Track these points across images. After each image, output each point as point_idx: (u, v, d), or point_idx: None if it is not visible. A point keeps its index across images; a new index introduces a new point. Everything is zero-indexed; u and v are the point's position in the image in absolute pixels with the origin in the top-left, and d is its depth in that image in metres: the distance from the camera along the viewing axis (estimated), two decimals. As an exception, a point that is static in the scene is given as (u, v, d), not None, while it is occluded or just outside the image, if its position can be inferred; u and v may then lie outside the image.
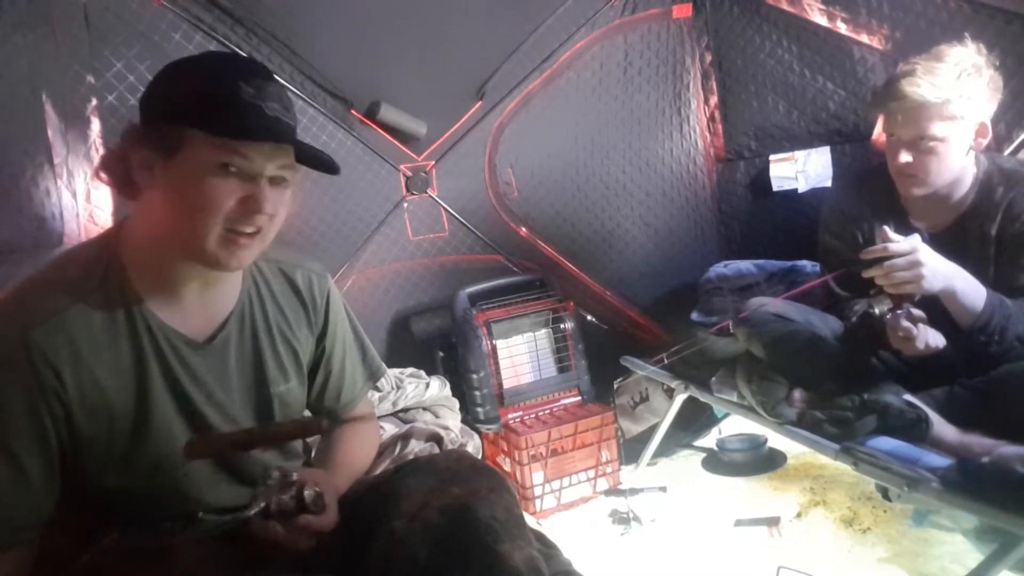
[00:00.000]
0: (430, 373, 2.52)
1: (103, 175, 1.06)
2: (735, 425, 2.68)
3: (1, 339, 0.98)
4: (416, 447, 2.08)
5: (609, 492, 2.48)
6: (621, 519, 2.28)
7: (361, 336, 1.40)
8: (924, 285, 1.52)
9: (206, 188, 0.99)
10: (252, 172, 1.01)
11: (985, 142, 1.66)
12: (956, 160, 1.64)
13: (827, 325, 1.88)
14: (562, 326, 2.66)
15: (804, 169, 2.71)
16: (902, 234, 1.58)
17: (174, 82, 1.02)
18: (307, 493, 1.05)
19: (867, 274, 1.56)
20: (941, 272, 1.53)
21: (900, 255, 1.51)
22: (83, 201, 2.11)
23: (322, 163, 1.06)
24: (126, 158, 1.02)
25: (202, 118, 0.97)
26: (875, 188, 1.84)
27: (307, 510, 1.04)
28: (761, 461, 2.51)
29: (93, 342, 1.02)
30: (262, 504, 1.04)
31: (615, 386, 2.80)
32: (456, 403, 2.47)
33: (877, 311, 1.67)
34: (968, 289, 1.56)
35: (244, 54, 2.39)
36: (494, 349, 2.56)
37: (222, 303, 1.16)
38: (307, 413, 1.37)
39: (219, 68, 1.04)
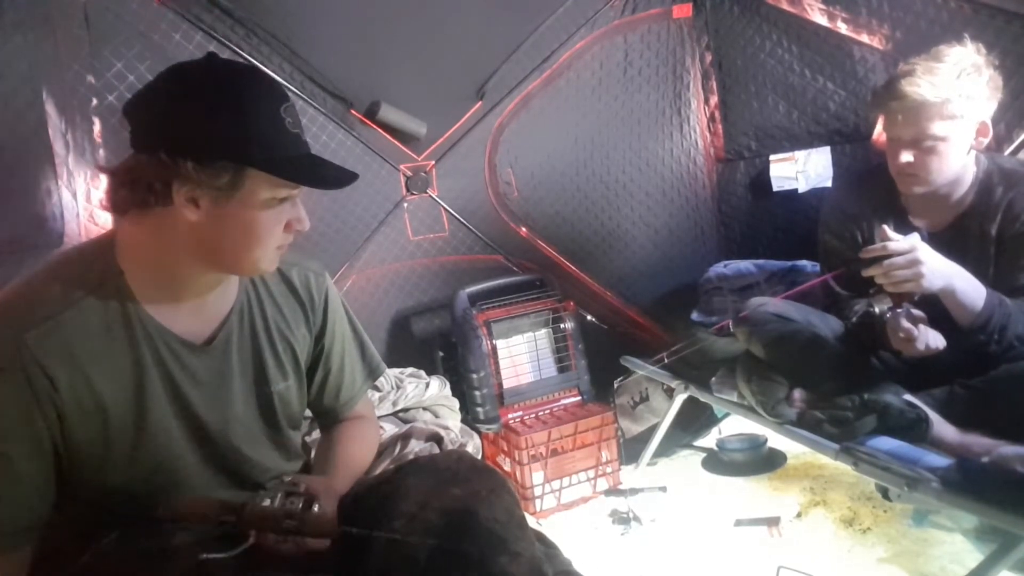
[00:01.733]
0: (430, 373, 2.52)
1: (111, 199, 1.03)
2: (735, 425, 2.68)
3: None
4: (416, 447, 2.08)
5: (609, 492, 2.48)
6: (621, 519, 2.28)
7: (360, 334, 1.40)
8: (923, 284, 1.52)
9: (266, 221, 1.04)
10: (294, 196, 1.07)
11: (986, 141, 1.66)
12: (957, 159, 1.64)
13: (827, 325, 1.88)
14: (562, 326, 2.66)
15: (804, 169, 2.71)
16: (902, 233, 1.59)
17: (221, 119, 0.97)
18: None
19: (866, 273, 1.56)
20: (940, 271, 1.53)
21: (899, 253, 1.52)
22: (83, 201, 2.11)
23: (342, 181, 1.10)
24: (157, 188, 0.98)
25: (269, 164, 0.99)
26: (875, 187, 1.84)
27: (305, 524, 1.01)
28: (761, 461, 2.51)
29: (89, 345, 1.02)
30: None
31: (615, 386, 2.80)
32: (456, 403, 2.47)
33: (877, 310, 1.68)
34: (967, 288, 1.56)
35: (244, 55, 2.40)
36: (494, 349, 2.56)
37: (220, 304, 1.16)
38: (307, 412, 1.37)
39: (249, 94, 1.00)
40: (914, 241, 1.54)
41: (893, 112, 1.64)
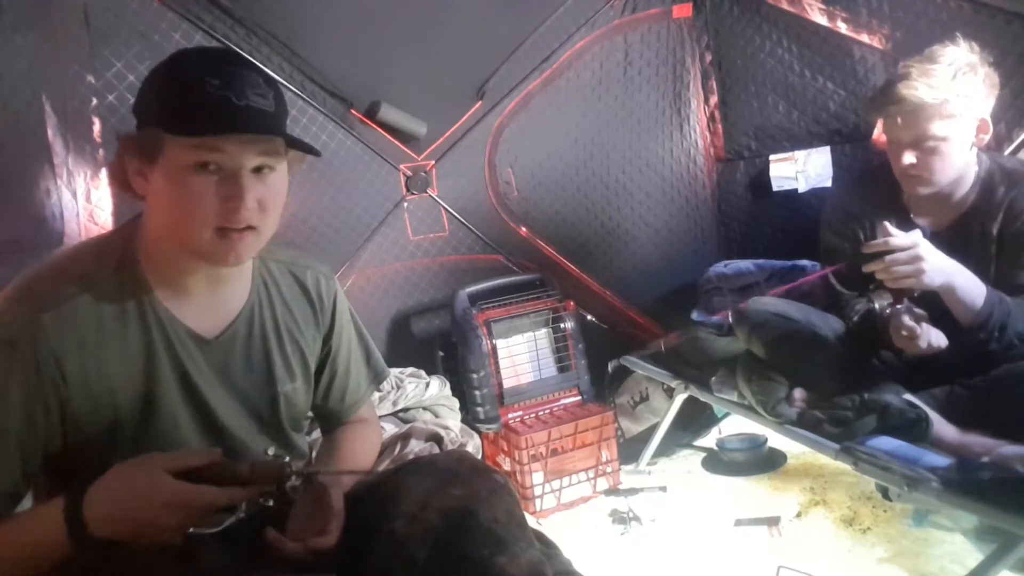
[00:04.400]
0: (430, 373, 2.52)
1: (112, 182, 1.11)
2: (735, 425, 2.68)
3: (11, 322, 0.99)
4: (416, 447, 2.08)
5: (609, 492, 2.48)
6: (621, 519, 2.28)
7: (366, 339, 1.41)
8: (924, 280, 1.52)
9: (187, 190, 0.99)
10: (232, 167, 0.99)
11: (986, 138, 1.67)
12: (959, 157, 1.65)
13: (827, 324, 1.88)
14: (562, 326, 2.66)
15: (804, 169, 2.71)
16: (904, 232, 1.59)
17: (148, 86, 1.03)
18: (288, 486, 1.00)
19: (867, 268, 1.57)
20: (941, 268, 1.53)
21: (901, 249, 1.52)
22: (83, 201, 2.11)
23: (301, 145, 1.06)
24: (123, 166, 1.04)
25: (169, 121, 0.97)
26: (877, 187, 1.84)
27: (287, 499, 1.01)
28: (761, 461, 2.51)
29: (101, 331, 1.03)
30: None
31: (607, 370, 2.78)
32: (456, 403, 2.47)
33: (876, 306, 1.68)
34: (968, 286, 1.56)
35: (244, 55, 2.39)
36: (494, 349, 2.56)
37: (232, 301, 1.17)
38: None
39: (183, 65, 1.03)
40: (916, 237, 1.54)
41: (892, 116, 1.65)
